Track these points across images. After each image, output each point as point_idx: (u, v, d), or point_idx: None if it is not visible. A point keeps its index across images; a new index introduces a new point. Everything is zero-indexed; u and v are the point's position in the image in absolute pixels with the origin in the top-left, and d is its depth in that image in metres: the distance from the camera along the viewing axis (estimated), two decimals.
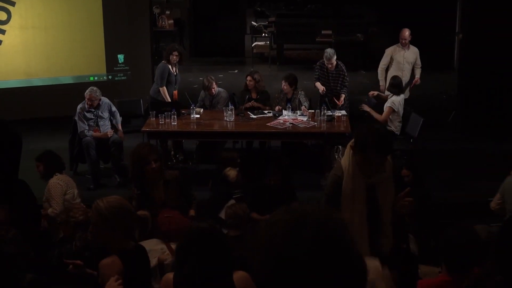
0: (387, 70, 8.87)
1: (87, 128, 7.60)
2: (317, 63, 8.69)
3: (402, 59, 8.78)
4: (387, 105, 8.06)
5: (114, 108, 7.89)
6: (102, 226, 3.36)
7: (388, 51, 8.92)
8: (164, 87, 8.28)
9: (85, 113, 7.63)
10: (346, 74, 8.48)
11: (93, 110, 7.64)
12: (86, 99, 7.62)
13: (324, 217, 1.46)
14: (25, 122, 9.54)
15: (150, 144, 5.71)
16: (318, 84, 8.57)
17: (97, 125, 7.67)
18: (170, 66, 8.30)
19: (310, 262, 1.38)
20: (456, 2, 12.65)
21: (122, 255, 3.32)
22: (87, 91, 7.64)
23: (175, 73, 8.39)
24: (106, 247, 3.40)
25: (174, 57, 8.27)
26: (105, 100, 7.81)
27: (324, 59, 8.41)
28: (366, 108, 8.29)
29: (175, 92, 8.35)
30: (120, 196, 3.63)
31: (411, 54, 8.81)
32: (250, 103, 8.39)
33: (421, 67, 8.87)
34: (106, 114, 7.76)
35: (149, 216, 4.21)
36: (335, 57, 8.32)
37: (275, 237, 1.44)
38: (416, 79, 8.86)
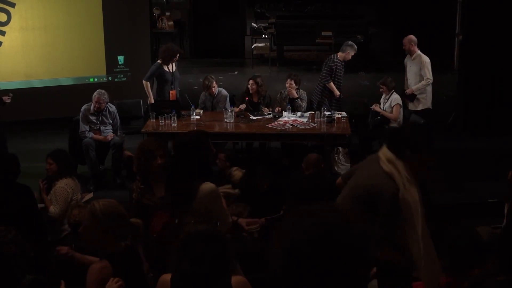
0: None
1: (88, 129, 7.60)
2: (338, 61, 8.43)
3: (408, 68, 8.32)
4: (394, 103, 8.10)
5: (117, 119, 7.80)
6: (94, 227, 3.33)
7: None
8: (148, 83, 8.21)
9: (89, 115, 7.61)
10: None
11: (97, 114, 7.62)
12: (93, 102, 7.56)
13: (329, 214, 1.56)
14: (25, 123, 9.55)
15: (158, 139, 5.67)
16: (333, 87, 8.39)
17: (99, 129, 7.65)
18: (166, 66, 8.23)
19: (315, 254, 1.47)
20: (456, 3, 12.66)
21: (112, 259, 3.28)
22: (95, 93, 7.58)
23: (171, 72, 8.26)
24: (95, 249, 3.36)
25: (175, 59, 8.25)
26: (113, 108, 7.77)
27: (351, 50, 8.40)
28: (377, 109, 8.31)
29: (173, 92, 8.27)
30: (118, 199, 3.59)
31: (415, 64, 8.18)
32: (242, 105, 8.31)
33: (426, 80, 8.06)
34: (109, 121, 7.74)
35: (141, 225, 4.12)
36: None
37: (288, 231, 1.54)
38: (409, 89, 8.20)
